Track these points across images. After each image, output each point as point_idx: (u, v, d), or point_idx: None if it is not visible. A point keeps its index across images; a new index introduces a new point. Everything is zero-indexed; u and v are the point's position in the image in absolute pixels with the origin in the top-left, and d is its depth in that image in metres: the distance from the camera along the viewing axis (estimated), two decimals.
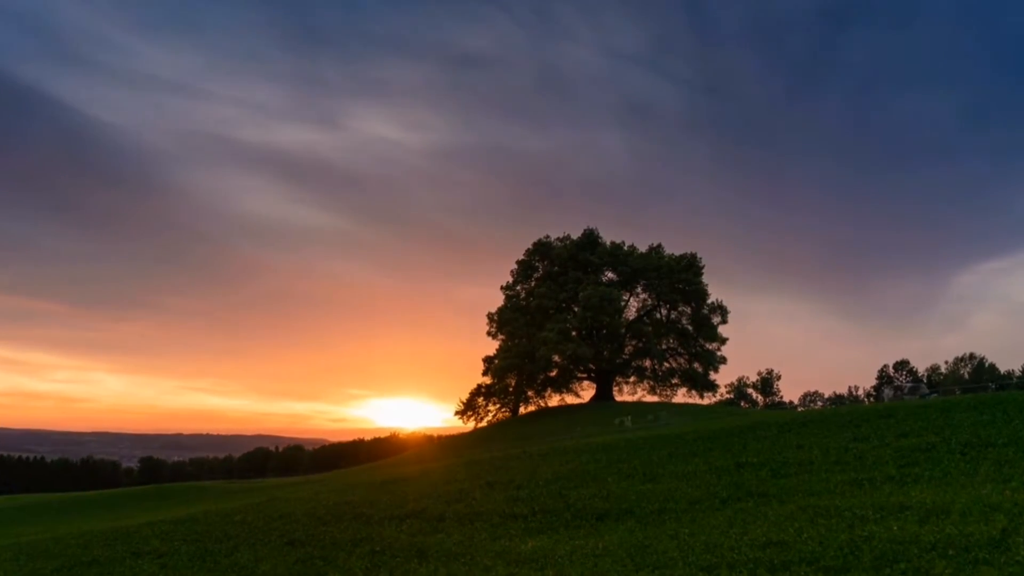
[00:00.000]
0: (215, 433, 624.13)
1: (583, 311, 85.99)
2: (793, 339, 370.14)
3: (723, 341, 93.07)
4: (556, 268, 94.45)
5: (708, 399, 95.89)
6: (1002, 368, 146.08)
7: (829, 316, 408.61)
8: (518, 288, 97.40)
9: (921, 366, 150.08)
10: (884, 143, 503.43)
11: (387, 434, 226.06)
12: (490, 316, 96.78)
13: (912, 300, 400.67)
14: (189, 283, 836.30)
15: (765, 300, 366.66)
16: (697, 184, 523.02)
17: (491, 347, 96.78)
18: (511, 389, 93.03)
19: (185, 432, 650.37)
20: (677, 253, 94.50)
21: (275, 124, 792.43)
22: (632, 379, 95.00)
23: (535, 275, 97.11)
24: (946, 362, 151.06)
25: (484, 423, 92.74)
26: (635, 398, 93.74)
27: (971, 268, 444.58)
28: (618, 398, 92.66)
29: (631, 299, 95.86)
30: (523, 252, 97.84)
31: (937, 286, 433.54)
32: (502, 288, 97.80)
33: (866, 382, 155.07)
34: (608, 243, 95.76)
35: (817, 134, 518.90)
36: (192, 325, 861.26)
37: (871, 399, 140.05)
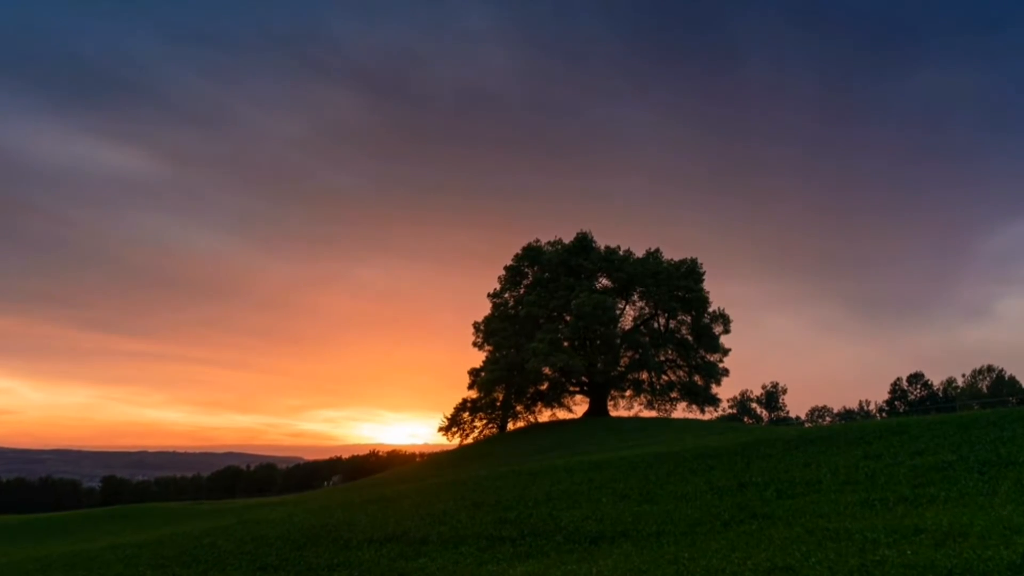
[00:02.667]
0: (182, 451, 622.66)
1: (575, 320, 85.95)
2: (800, 350, 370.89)
3: (725, 352, 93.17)
4: (547, 274, 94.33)
5: (709, 414, 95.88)
6: (1023, 381, 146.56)
7: (833, 318, 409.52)
8: (506, 295, 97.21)
9: (936, 378, 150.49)
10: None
11: (366, 452, 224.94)
12: (476, 325, 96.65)
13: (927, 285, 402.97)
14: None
15: (770, 308, 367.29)
16: (697, 185, 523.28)
17: (477, 358, 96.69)
18: (499, 403, 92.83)
19: (150, 449, 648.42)
20: (676, 258, 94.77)
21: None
22: (628, 393, 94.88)
23: (524, 282, 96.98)
24: (963, 375, 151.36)
25: (470, 440, 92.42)
26: (631, 413, 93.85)
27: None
28: (613, 413, 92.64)
29: (627, 307, 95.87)
30: (511, 257, 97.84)
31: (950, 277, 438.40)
32: (489, 296, 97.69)
33: (878, 396, 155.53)
34: (602, 247, 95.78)
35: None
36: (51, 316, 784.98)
37: (884, 414, 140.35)
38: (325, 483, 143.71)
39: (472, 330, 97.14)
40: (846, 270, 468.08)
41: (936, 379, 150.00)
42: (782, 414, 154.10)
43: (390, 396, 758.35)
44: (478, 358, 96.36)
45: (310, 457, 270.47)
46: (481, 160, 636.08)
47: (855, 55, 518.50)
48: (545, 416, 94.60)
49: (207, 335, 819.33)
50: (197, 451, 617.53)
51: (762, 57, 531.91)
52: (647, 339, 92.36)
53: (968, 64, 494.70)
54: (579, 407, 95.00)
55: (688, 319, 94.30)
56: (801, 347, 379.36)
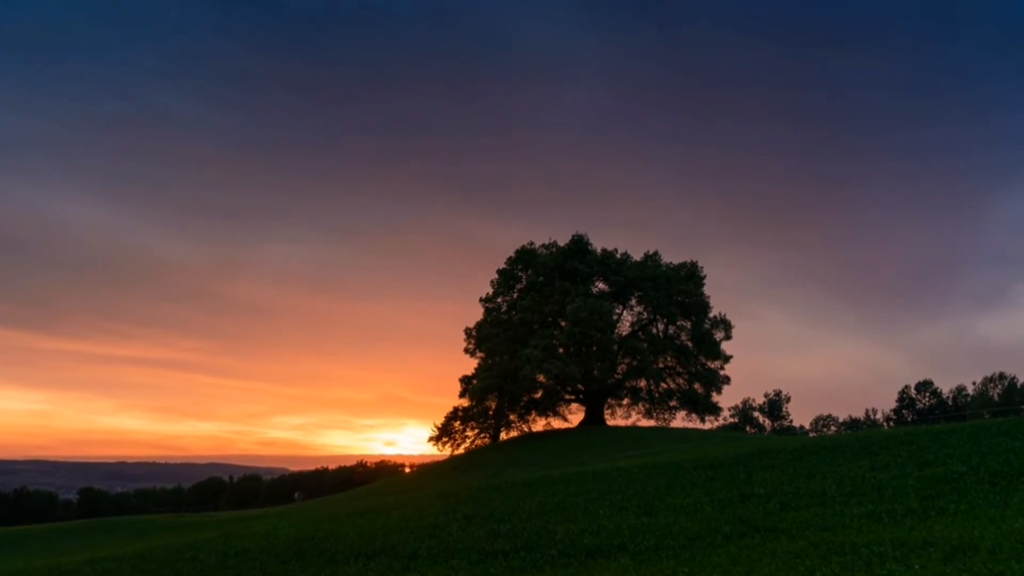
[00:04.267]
0: (162, 461, 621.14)
1: (571, 326, 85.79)
2: (800, 351, 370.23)
3: (727, 359, 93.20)
4: (541, 278, 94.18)
5: (710, 423, 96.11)
6: None
7: (831, 311, 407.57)
8: (498, 300, 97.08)
9: (946, 387, 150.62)
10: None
11: (353, 462, 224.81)
12: (468, 331, 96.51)
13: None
14: None
15: (773, 313, 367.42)
16: (696, 186, 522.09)
17: (469, 366, 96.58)
18: (491, 412, 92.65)
19: (129, 460, 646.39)
20: (675, 261, 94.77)
21: None
22: (625, 401, 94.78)
23: (517, 286, 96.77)
24: (974, 383, 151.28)
25: (461, 450, 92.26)
26: (629, 422, 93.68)
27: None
28: (610, 422, 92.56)
29: (624, 312, 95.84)
30: (504, 260, 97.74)
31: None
32: (481, 300, 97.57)
33: (885, 404, 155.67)
34: (599, 250, 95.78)
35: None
36: None
37: (891, 423, 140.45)
38: (295, 496, 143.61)
39: (463, 336, 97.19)
40: (840, 249, 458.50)
41: (945, 386, 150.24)
42: (785, 423, 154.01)
43: (355, 401, 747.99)
44: (470, 365, 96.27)
45: (295, 468, 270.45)
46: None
47: None
48: (539, 425, 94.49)
49: (120, 328, 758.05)
50: (177, 462, 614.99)
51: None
52: (645, 345, 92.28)
53: None
54: (575, 416, 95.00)
55: (688, 324, 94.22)
56: (801, 347, 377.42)
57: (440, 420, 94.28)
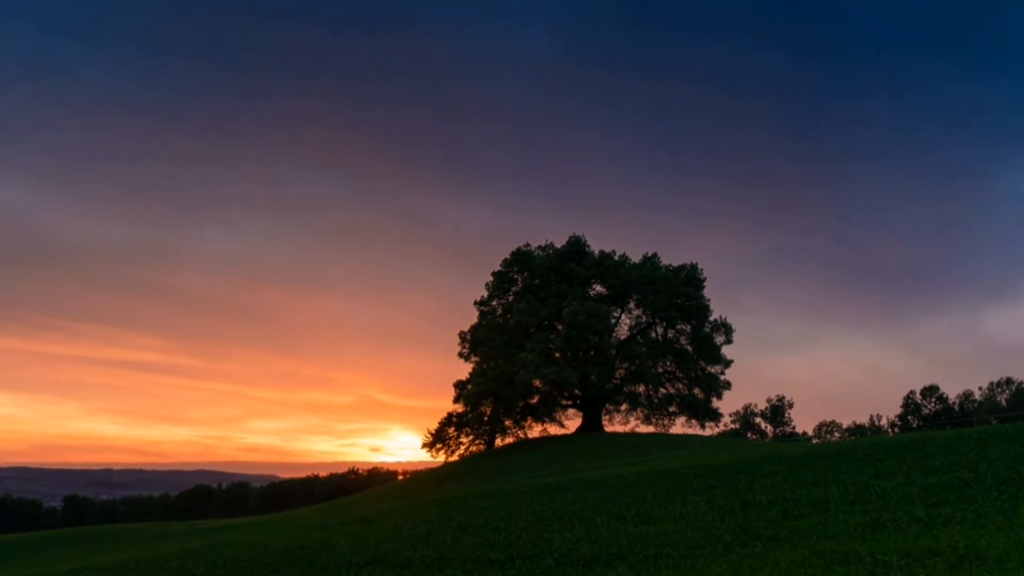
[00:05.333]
0: (149, 468, 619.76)
1: (568, 329, 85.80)
2: (807, 361, 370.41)
3: (727, 364, 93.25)
4: (537, 281, 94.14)
5: (710, 429, 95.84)
6: None
7: (833, 309, 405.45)
8: (494, 303, 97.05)
9: (952, 392, 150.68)
10: None
11: (345, 469, 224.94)
12: (462, 335, 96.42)
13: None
14: None
15: (775, 317, 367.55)
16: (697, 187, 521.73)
17: (463, 370, 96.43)
18: (486, 418, 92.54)
19: (114, 467, 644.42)
20: (675, 264, 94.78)
21: None
22: (624, 407, 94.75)
23: (513, 289, 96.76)
24: (980, 388, 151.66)
25: (456, 457, 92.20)
26: (627, 428, 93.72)
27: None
28: (608, 428, 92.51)
29: (622, 316, 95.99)
30: (499, 263, 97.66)
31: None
32: (476, 303, 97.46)
33: (890, 411, 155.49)
34: (596, 252, 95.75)
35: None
36: None
37: (896, 429, 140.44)
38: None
39: (458, 340, 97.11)
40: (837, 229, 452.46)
41: (951, 391, 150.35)
42: (788, 429, 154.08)
43: (332, 404, 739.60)
44: (464, 369, 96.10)
45: (285, 475, 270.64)
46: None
47: None
48: (536, 431, 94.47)
49: (63, 325, 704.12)
50: (162, 468, 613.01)
51: None
52: (644, 350, 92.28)
53: None
54: (572, 422, 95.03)
55: (688, 328, 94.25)
56: (799, 345, 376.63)
57: (432, 425, 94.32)
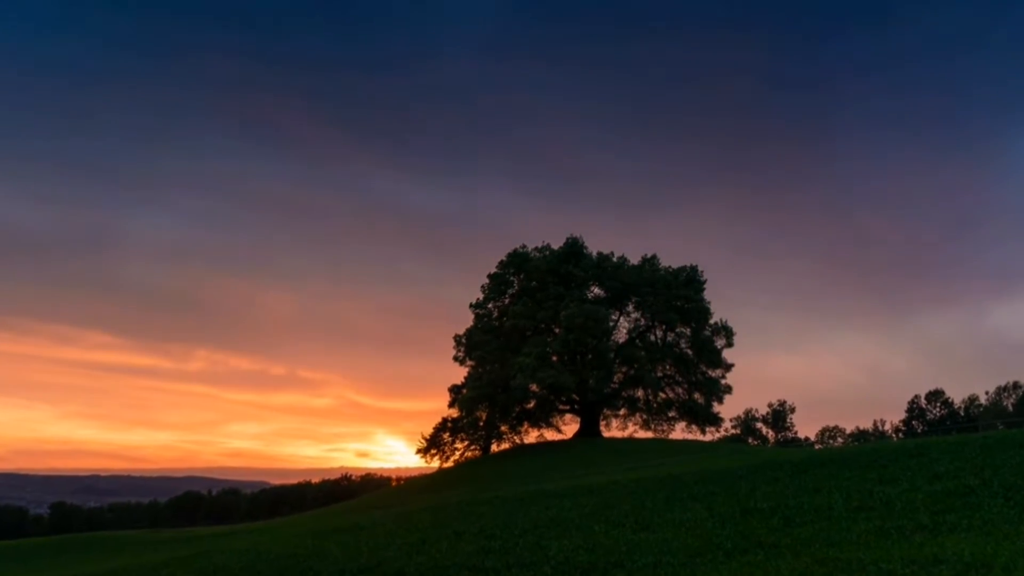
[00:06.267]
0: (136, 474, 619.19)
1: (565, 333, 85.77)
2: (809, 365, 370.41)
3: (728, 368, 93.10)
4: (534, 283, 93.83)
5: (711, 434, 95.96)
6: None
7: (834, 308, 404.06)
8: (489, 306, 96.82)
9: (958, 396, 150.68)
10: None
11: (338, 475, 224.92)
12: (457, 339, 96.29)
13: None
14: None
15: (776, 319, 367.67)
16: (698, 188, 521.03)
17: (458, 374, 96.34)
18: (481, 423, 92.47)
19: (102, 473, 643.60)
20: (675, 265, 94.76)
21: None
22: (622, 412, 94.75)
23: (509, 291, 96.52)
24: (987, 392, 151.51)
25: (451, 463, 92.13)
26: (626, 433, 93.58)
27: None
28: (606, 434, 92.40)
29: (621, 319, 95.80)
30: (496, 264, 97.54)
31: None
32: (471, 306, 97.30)
33: (894, 416, 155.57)
34: (594, 254, 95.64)
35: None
36: None
37: (900, 435, 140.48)
38: None
39: (453, 343, 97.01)
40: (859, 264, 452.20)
41: (957, 396, 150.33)
42: (790, 435, 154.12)
43: (310, 408, 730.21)
44: (459, 373, 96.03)
45: (276, 481, 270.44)
46: None
47: None
48: (532, 437, 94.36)
49: (11, 322, 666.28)
50: (150, 475, 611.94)
51: None
52: (643, 353, 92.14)
53: None
54: (569, 427, 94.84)
55: (688, 331, 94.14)
56: (797, 344, 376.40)
57: (419, 429, 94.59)
